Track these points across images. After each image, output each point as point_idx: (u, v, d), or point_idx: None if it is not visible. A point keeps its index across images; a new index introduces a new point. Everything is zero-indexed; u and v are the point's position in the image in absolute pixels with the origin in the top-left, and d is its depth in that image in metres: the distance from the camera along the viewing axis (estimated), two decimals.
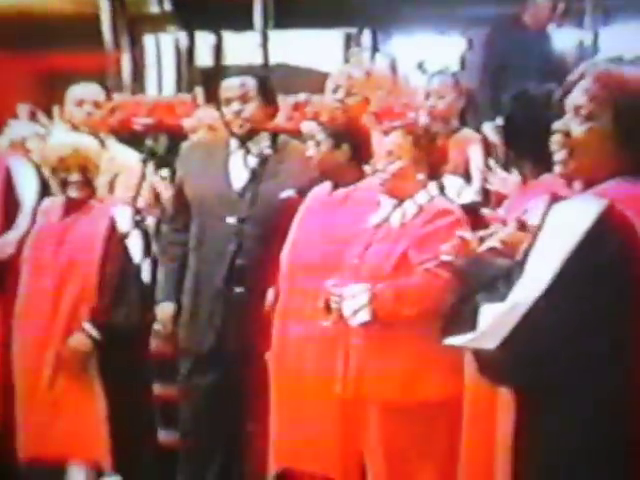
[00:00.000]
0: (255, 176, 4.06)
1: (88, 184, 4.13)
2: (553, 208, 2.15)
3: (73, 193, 4.12)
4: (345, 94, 4.68)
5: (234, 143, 4.15)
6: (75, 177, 4.09)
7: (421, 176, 3.58)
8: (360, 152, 3.95)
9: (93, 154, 4.17)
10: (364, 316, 3.45)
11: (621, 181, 2.17)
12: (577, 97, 2.21)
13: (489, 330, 2.11)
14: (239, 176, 4.12)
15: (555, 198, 2.88)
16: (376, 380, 3.50)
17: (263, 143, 4.11)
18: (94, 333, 4.00)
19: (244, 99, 4.09)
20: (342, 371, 3.58)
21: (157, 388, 4.49)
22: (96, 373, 4.05)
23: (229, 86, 4.15)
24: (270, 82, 4.30)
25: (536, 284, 2.07)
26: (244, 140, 4.12)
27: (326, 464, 3.76)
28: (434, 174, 3.65)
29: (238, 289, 3.84)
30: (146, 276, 4.15)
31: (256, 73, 4.33)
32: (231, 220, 4.03)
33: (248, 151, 4.13)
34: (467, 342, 2.17)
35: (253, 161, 4.11)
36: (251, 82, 4.13)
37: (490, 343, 2.10)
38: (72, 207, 4.18)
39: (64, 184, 4.12)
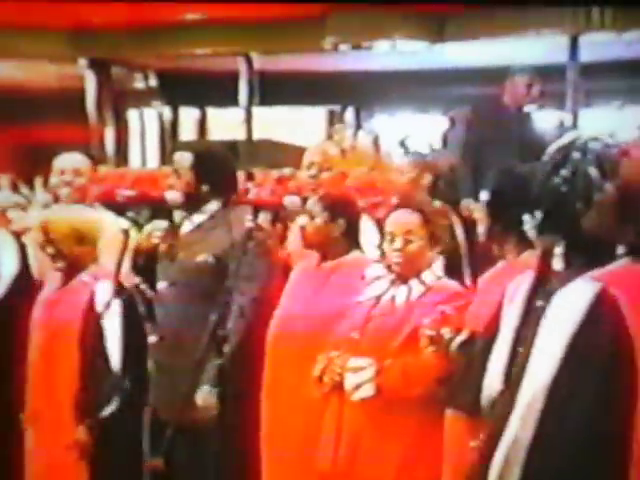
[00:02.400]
0: (183, 241, 4.22)
1: (64, 257, 4.10)
2: (555, 296, 2.19)
3: (55, 265, 4.13)
4: (319, 170, 4.72)
5: (179, 213, 4.31)
6: (50, 250, 4.11)
7: (431, 254, 3.56)
8: (353, 227, 3.99)
9: (67, 227, 4.13)
10: (368, 391, 3.38)
11: (630, 261, 2.19)
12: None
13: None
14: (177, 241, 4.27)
15: (540, 274, 2.91)
16: (371, 460, 3.41)
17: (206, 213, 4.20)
18: (87, 421, 3.96)
19: (177, 174, 4.21)
20: (333, 446, 3.49)
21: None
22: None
23: (172, 160, 4.33)
24: (211, 160, 4.32)
25: (541, 378, 2.11)
26: (187, 210, 4.24)
27: None
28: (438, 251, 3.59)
29: (219, 360, 3.80)
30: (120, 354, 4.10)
31: (199, 150, 4.39)
32: (161, 285, 4.20)
33: (190, 219, 4.26)
34: None
35: (187, 227, 4.25)
36: (185, 158, 4.22)
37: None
38: (66, 279, 4.16)
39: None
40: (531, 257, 3.11)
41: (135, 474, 4.14)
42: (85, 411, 3.98)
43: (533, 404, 2.10)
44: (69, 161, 4.97)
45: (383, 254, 3.67)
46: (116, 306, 4.07)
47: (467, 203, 5.50)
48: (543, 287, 2.72)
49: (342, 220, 3.95)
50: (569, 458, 2.07)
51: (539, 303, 2.24)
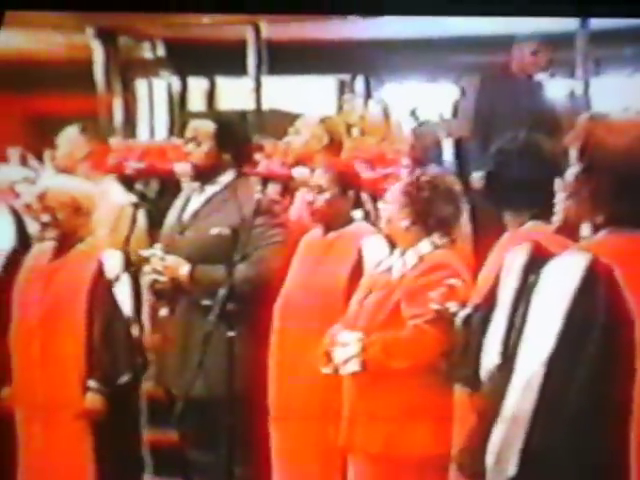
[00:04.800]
0: (195, 215, 4.19)
1: (59, 226, 4.11)
2: (544, 269, 2.18)
3: (45, 234, 4.12)
4: (310, 137, 4.65)
5: (191, 183, 4.28)
6: (45, 218, 4.09)
7: (405, 222, 3.52)
8: (358, 199, 3.98)
9: (66, 197, 4.14)
10: (354, 366, 3.43)
11: (610, 231, 2.19)
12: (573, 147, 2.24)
13: (502, 459, 2.12)
14: (188, 215, 4.23)
15: (537, 246, 2.91)
16: (363, 431, 3.47)
17: (222, 182, 4.18)
18: (98, 387, 3.99)
19: (197, 142, 4.15)
20: (342, 421, 3.55)
21: (149, 433, 4.47)
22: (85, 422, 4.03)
23: (188, 128, 4.28)
24: (233, 129, 4.35)
25: (539, 352, 2.09)
26: (202, 180, 4.20)
27: None
28: (431, 223, 3.57)
29: (230, 333, 3.81)
30: (133, 320, 4.11)
31: (221, 119, 4.37)
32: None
33: (202, 191, 4.22)
34: None
35: (198, 201, 4.20)
36: (207, 126, 4.20)
37: (510, 471, 2.11)
38: (61, 250, 4.16)
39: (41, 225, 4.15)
40: (532, 228, 3.10)
41: (136, 445, 4.18)
42: (99, 379, 3.99)
43: (532, 380, 2.09)
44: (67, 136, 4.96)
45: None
46: (126, 277, 4.09)
47: (478, 175, 5.47)
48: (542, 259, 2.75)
49: (352, 193, 3.94)
50: (570, 432, 2.06)
51: (532, 277, 2.22)
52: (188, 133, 4.26)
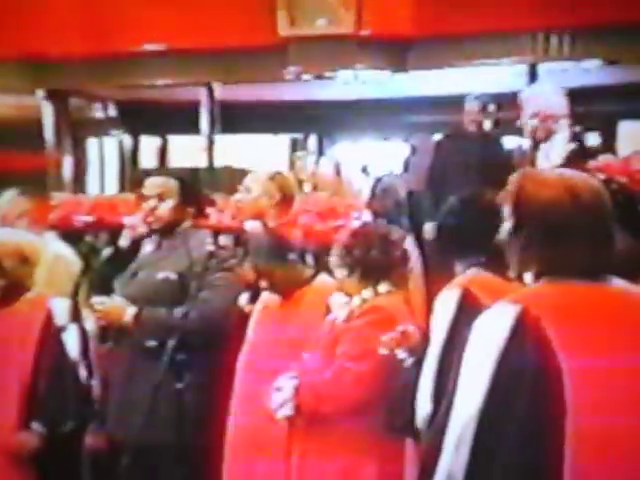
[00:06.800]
0: (145, 260, 4.23)
1: (5, 275, 4.08)
2: (476, 322, 2.14)
3: None
4: (262, 194, 4.63)
5: (152, 236, 4.30)
6: None
7: (344, 271, 3.50)
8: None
9: (13, 246, 4.12)
10: (287, 411, 3.39)
11: (545, 281, 2.16)
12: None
13: None
14: (139, 260, 4.28)
15: (466, 293, 2.88)
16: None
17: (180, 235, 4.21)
18: (40, 430, 3.93)
19: (161, 197, 4.20)
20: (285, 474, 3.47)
21: None
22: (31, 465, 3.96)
23: (149, 185, 4.30)
24: (193, 185, 4.45)
25: (468, 407, 2.05)
26: (161, 234, 4.24)
27: None
28: (370, 272, 3.52)
29: (178, 385, 3.73)
30: (82, 372, 4.05)
31: (180, 176, 4.43)
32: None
33: (159, 243, 4.26)
34: None
35: (149, 247, 4.26)
36: (171, 182, 4.26)
37: None
38: (6, 300, 4.13)
39: None
40: (472, 273, 3.09)
41: None
42: (44, 422, 3.93)
43: (464, 435, 2.04)
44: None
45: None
46: (73, 325, 4.04)
47: (429, 226, 5.52)
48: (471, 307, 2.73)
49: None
50: None
51: (466, 329, 2.16)
52: (149, 190, 4.27)
